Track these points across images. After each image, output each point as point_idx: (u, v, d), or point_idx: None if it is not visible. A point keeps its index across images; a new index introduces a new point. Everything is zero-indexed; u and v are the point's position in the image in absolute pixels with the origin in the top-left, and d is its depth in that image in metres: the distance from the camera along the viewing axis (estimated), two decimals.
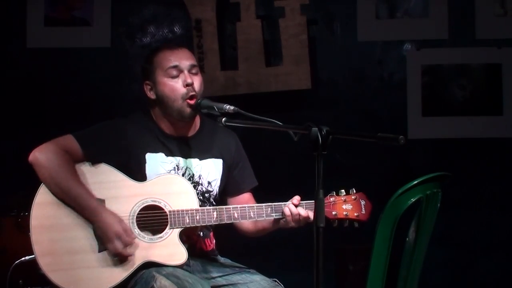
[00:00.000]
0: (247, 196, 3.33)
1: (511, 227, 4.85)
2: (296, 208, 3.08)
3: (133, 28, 5.05)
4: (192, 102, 3.14)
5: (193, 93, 3.14)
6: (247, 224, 3.26)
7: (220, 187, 3.27)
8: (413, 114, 4.93)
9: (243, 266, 3.24)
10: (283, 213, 3.09)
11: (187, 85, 3.14)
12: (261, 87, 4.90)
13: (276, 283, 3.14)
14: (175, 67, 3.15)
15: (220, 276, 3.17)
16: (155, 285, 2.94)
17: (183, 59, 3.17)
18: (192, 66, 3.18)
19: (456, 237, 4.85)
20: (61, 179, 3.02)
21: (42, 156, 3.04)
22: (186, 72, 3.16)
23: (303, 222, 3.09)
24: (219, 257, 3.29)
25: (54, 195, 3.04)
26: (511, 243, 4.85)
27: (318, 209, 2.56)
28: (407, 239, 3.26)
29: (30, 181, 3.06)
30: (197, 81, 3.17)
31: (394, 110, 4.95)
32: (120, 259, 3.01)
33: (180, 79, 3.15)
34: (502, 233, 4.86)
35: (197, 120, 3.26)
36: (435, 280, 4.75)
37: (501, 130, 4.88)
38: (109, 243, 2.99)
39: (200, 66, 4.82)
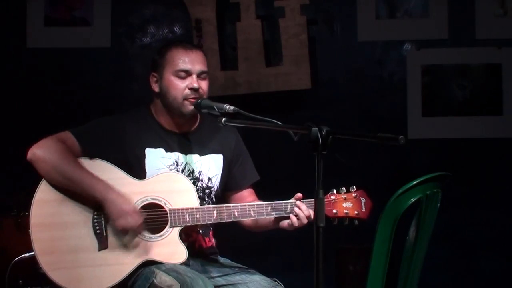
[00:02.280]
0: (248, 191, 3.33)
1: (511, 227, 4.85)
2: (299, 206, 3.08)
3: (133, 28, 5.05)
4: (193, 100, 3.14)
5: (196, 96, 3.14)
6: (248, 221, 3.26)
7: (220, 182, 3.27)
8: (413, 114, 4.93)
9: (243, 266, 3.24)
10: (287, 216, 3.09)
11: (191, 88, 3.14)
12: (261, 87, 4.90)
13: (276, 283, 3.14)
14: (186, 71, 3.15)
15: (220, 276, 3.17)
16: (155, 280, 2.94)
17: (195, 63, 3.16)
18: (202, 72, 3.18)
19: (456, 237, 4.85)
20: (63, 167, 3.00)
21: (40, 150, 3.02)
22: (194, 76, 3.15)
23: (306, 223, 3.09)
24: (219, 257, 3.29)
25: (58, 185, 3.02)
26: (511, 243, 4.85)
27: (318, 209, 2.56)
28: (407, 239, 3.26)
29: (30, 180, 3.06)
30: (204, 86, 3.17)
31: (394, 110, 4.95)
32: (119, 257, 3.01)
33: (187, 81, 3.15)
34: (502, 233, 4.86)
35: (197, 116, 3.26)
36: (435, 280, 4.75)
37: (501, 130, 4.88)
38: (121, 219, 2.98)
39: None
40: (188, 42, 3.67)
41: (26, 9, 4.99)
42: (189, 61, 3.16)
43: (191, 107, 3.14)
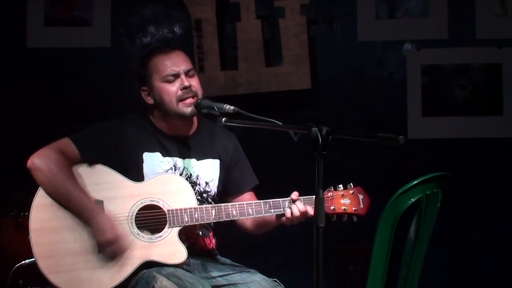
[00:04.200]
0: (248, 195, 3.33)
1: (511, 227, 4.85)
2: (295, 202, 3.08)
3: (133, 28, 5.05)
4: (188, 101, 3.14)
5: (189, 95, 3.14)
6: (248, 222, 3.26)
7: (218, 187, 3.27)
8: (413, 114, 4.93)
9: (243, 266, 3.24)
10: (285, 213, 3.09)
11: (183, 88, 3.14)
12: (261, 87, 4.90)
13: (276, 283, 3.14)
14: (173, 75, 3.15)
15: (220, 276, 3.17)
16: (155, 285, 2.94)
17: (180, 64, 3.17)
18: (189, 70, 3.18)
19: (456, 237, 4.85)
20: (59, 182, 3.02)
21: (39, 161, 3.04)
22: (183, 76, 3.16)
23: (303, 218, 3.09)
24: (219, 257, 3.29)
25: (53, 199, 3.04)
26: (511, 243, 4.85)
27: (318, 209, 2.56)
28: (407, 239, 3.26)
29: (30, 181, 3.06)
30: (194, 82, 3.18)
31: (394, 110, 4.95)
32: (119, 259, 3.01)
33: (177, 83, 3.16)
34: (502, 233, 4.86)
35: (195, 120, 3.27)
36: (435, 280, 4.75)
37: (501, 130, 4.88)
38: (103, 248, 3.01)
39: (200, 66, 4.83)
40: (165, 45, 3.67)
41: (26, 9, 4.99)
42: (173, 63, 3.16)
43: (188, 109, 3.14)
